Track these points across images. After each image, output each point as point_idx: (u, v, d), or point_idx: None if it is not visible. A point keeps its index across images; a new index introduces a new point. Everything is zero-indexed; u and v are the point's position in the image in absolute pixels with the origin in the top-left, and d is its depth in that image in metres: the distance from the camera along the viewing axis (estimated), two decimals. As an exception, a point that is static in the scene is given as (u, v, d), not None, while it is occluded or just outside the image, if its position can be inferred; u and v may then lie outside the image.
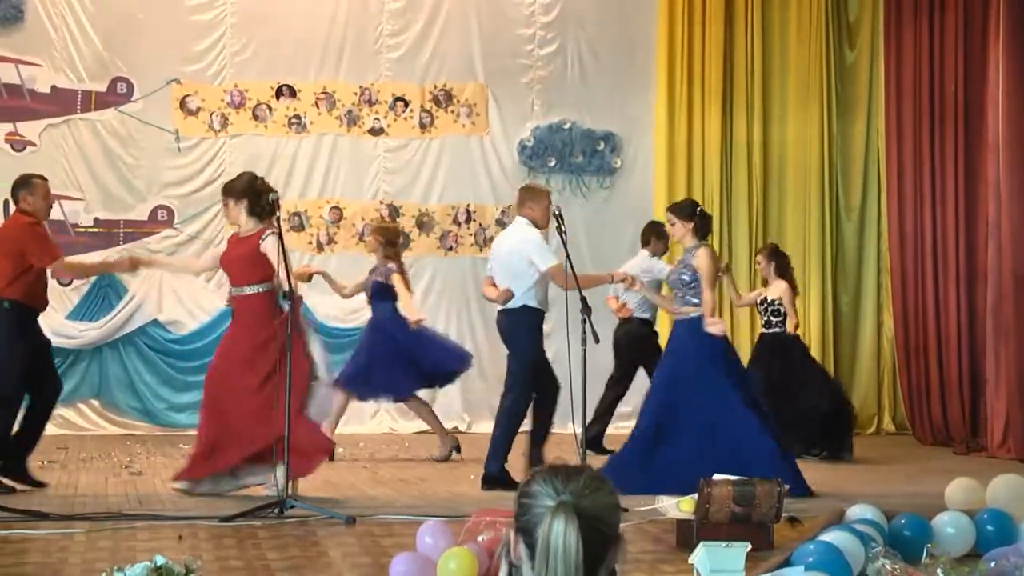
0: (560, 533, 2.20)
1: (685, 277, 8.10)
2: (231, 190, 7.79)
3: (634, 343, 10.17)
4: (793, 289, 10.41)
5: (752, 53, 12.88)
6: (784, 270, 10.43)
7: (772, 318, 10.31)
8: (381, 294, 9.69)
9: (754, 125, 12.87)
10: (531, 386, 8.20)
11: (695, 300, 8.05)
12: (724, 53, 12.82)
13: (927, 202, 12.01)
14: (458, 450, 9.92)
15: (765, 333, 10.41)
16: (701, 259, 8.04)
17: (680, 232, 8.19)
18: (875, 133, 12.96)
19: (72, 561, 5.65)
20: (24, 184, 8.05)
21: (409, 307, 9.68)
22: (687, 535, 5.97)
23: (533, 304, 8.24)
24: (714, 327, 7.93)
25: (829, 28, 12.93)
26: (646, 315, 10.30)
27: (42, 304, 8.01)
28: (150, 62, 11.89)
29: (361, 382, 9.60)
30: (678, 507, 6.17)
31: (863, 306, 13.00)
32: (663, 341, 10.02)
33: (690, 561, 4.57)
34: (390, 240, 9.86)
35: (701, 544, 4.56)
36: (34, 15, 11.68)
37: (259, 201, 7.65)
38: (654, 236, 10.26)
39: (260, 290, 7.64)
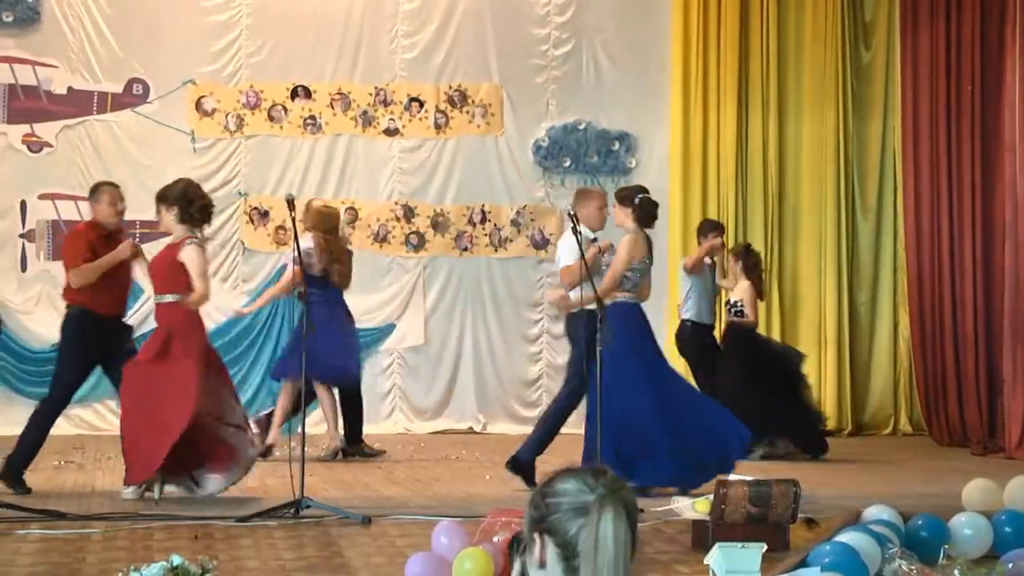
0: (610, 525, 2.18)
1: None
2: (163, 196, 7.75)
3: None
4: (757, 290, 10.48)
5: (767, 53, 12.85)
6: (750, 270, 10.51)
7: (735, 318, 10.38)
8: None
9: (769, 125, 12.85)
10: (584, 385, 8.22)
11: (624, 285, 8.09)
12: (739, 53, 12.79)
13: (944, 201, 11.97)
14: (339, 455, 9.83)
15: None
16: (622, 245, 8.09)
17: (620, 217, 8.22)
18: (891, 132, 12.92)
19: (89, 561, 5.67)
20: (91, 192, 8.14)
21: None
22: (702, 536, 5.95)
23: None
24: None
25: (845, 27, 12.89)
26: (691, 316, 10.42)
27: (111, 310, 7.98)
28: (166, 63, 11.92)
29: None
30: (693, 508, 6.16)
31: (879, 306, 12.96)
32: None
33: (706, 562, 4.56)
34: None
35: (717, 545, 4.55)
36: (51, 17, 11.72)
37: (189, 208, 7.61)
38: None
39: (169, 300, 7.61)
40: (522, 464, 8.07)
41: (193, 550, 5.64)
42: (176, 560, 4.26)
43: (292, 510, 6.81)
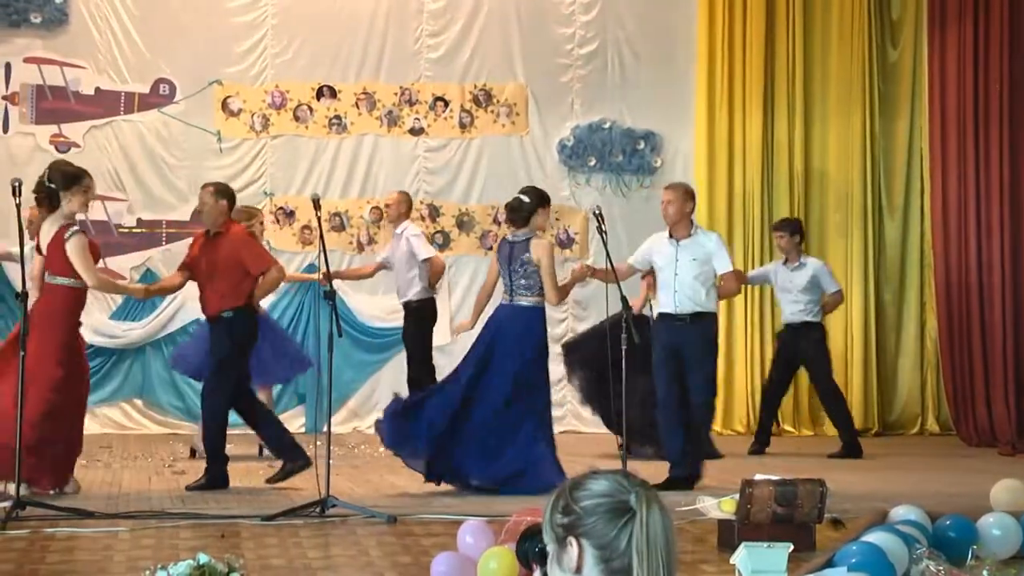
0: (658, 520, 2.18)
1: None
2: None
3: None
4: None
5: (793, 51, 12.81)
6: None
7: None
8: None
9: (795, 124, 12.80)
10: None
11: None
12: (765, 51, 12.75)
13: (971, 201, 11.91)
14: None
15: None
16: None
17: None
18: (918, 132, 12.85)
19: (117, 559, 5.70)
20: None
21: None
22: (728, 535, 5.94)
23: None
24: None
25: (871, 26, 12.83)
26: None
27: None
28: (192, 63, 11.96)
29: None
30: (719, 507, 6.15)
31: (906, 305, 12.90)
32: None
33: (732, 562, 4.55)
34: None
35: (743, 544, 4.54)
36: (78, 18, 11.78)
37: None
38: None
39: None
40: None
41: (219, 549, 5.66)
42: (203, 558, 4.28)
43: (318, 509, 6.83)
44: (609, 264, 7.66)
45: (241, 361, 8.10)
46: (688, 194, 8.57)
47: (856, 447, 10.34)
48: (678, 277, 8.32)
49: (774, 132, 12.79)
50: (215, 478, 7.93)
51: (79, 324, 7.73)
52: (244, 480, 8.46)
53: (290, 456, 8.06)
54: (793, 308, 10.58)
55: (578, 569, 2.21)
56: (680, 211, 8.41)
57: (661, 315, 8.50)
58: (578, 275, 8.50)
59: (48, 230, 7.61)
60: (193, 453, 9.66)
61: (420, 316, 10.43)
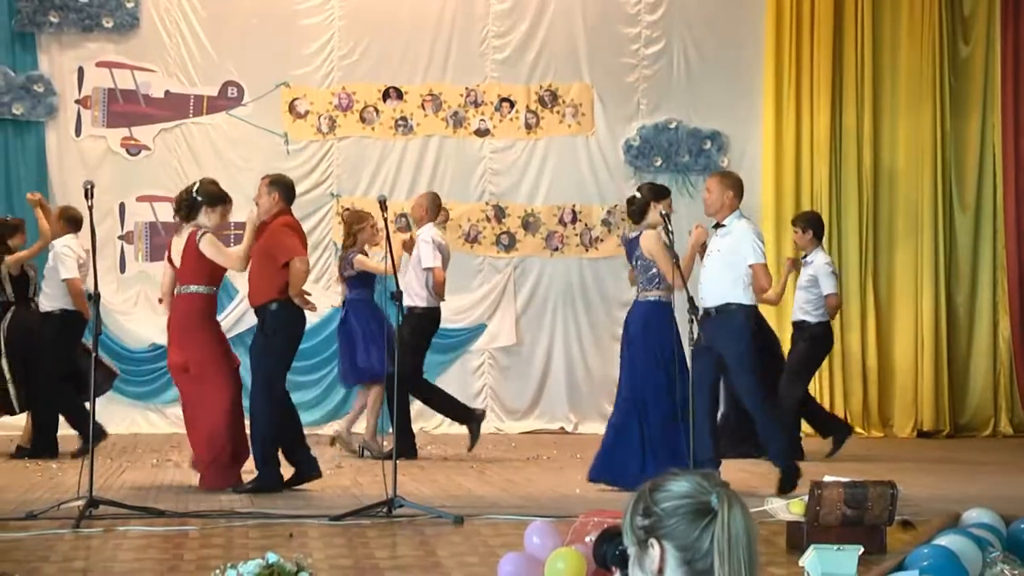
0: (740, 521, 2.18)
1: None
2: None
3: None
4: None
5: (862, 48, 12.68)
6: None
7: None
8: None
9: (864, 121, 12.67)
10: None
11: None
12: (833, 48, 12.63)
13: (1046, 198, 11.74)
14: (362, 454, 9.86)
15: None
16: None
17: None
18: (991, 129, 12.68)
19: (187, 557, 5.76)
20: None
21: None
22: (797, 537, 5.88)
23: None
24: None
25: (943, 22, 12.67)
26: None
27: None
28: (260, 66, 12.07)
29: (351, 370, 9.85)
30: (788, 509, 6.09)
31: (978, 305, 12.72)
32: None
33: (801, 564, 4.51)
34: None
35: (812, 546, 4.49)
36: (149, 22, 11.93)
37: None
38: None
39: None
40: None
41: (288, 548, 5.70)
42: (272, 558, 4.30)
43: (385, 509, 6.85)
44: (676, 265, 7.60)
45: (287, 354, 8.06)
46: (724, 181, 8.20)
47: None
48: (706, 269, 8.04)
49: (842, 130, 12.68)
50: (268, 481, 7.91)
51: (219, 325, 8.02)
52: (310, 480, 8.50)
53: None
54: (795, 306, 10.22)
55: (660, 571, 2.21)
56: (719, 199, 8.03)
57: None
58: (698, 238, 8.13)
59: (179, 240, 7.84)
60: (362, 452, 9.81)
61: (420, 324, 9.98)
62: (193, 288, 7.80)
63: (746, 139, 12.76)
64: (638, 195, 8.17)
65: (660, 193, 8.19)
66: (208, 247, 7.74)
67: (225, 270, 8.04)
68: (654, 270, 7.99)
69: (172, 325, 7.87)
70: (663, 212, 7.92)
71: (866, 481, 6.00)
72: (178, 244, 7.88)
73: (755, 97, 12.72)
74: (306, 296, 8.03)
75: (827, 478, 6.04)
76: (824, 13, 12.59)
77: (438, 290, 9.97)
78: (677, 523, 2.19)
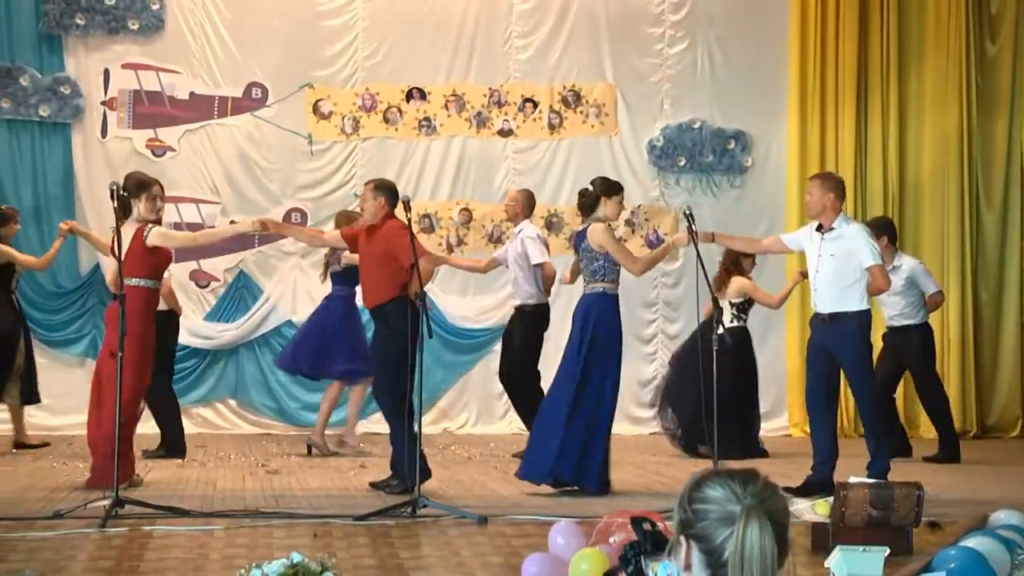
0: (756, 539, 2.16)
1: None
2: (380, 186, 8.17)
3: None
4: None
5: (888, 47, 12.62)
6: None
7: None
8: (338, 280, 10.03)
9: (890, 121, 12.62)
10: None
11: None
12: (858, 47, 12.58)
13: (1074, 197, 11.67)
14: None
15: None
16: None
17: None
18: (1018, 128, 12.61)
19: (213, 557, 5.78)
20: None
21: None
22: (822, 538, 5.86)
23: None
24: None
25: (969, 21, 12.60)
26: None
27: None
28: (284, 67, 12.10)
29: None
30: (813, 510, 6.07)
31: (1005, 305, 12.65)
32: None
33: (826, 565, 4.50)
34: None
35: (838, 548, 4.48)
36: (174, 24, 11.97)
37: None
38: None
39: None
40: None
41: (313, 548, 5.72)
42: (296, 557, 4.31)
43: (409, 509, 6.86)
44: (700, 267, 7.58)
45: (404, 351, 7.99)
46: (825, 183, 8.11)
47: (955, 451, 10.13)
48: (819, 274, 8.06)
49: (868, 129, 12.63)
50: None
51: (152, 326, 7.91)
52: (335, 480, 8.53)
53: None
54: (891, 311, 10.31)
55: (687, 567, 2.24)
56: (820, 201, 8.00)
57: (814, 312, 8.25)
58: (668, 247, 8.41)
59: (126, 235, 7.75)
60: (310, 450, 9.92)
61: (533, 322, 10.03)
62: (135, 281, 7.77)
63: (771, 138, 12.72)
64: (590, 188, 8.18)
65: (612, 188, 8.20)
66: (156, 236, 7.80)
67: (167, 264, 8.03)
68: (599, 262, 8.01)
69: (111, 315, 7.73)
70: (687, 211, 7.91)
71: (892, 482, 5.99)
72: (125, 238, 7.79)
73: (780, 96, 12.68)
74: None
75: (853, 479, 6.02)
76: (849, 11, 12.54)
77: (549, 285, 10.09)
78: (706, 527, 2.21)
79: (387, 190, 8.18)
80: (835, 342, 7.97)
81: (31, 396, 10.13)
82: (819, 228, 8.07)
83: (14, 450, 9.93)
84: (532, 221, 10.33)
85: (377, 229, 8.06)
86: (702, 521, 2.21)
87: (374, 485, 7.97)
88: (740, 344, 10.02)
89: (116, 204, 7.10)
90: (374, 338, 8.25)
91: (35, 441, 10.18)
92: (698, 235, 7.83)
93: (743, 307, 10.30)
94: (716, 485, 2.23)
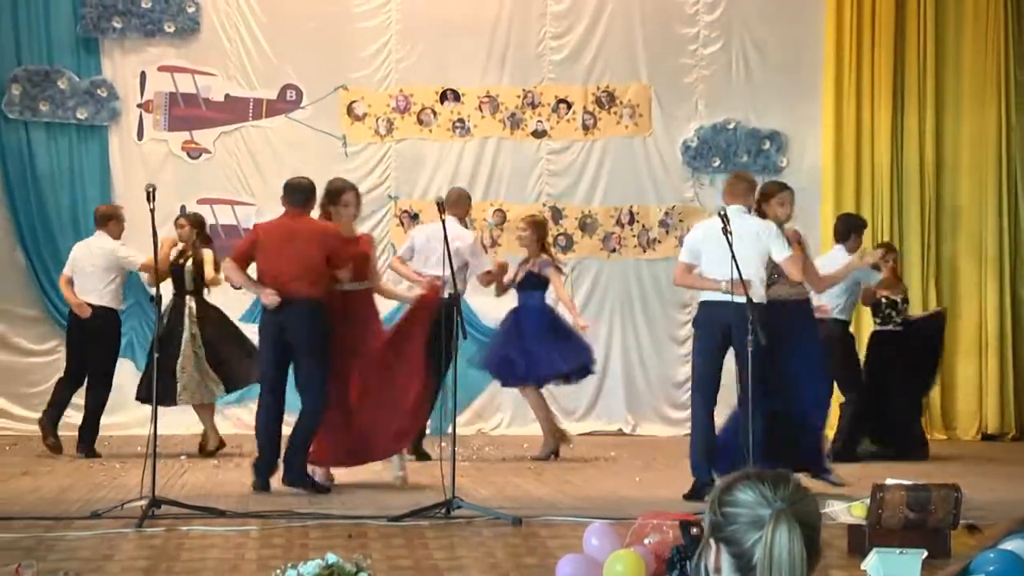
0: (785, 543, 2.15)
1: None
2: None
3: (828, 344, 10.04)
4: None
5: (924, 45, 12.53)
6: None
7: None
8: (533, 284, 9.90)
9: (926, 120, 12.53)
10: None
11: None
12: (895, 45, 12.50)
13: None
14: (556, 454, 9.89)
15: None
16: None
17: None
18: (1059, 124, 12.50)
19: (248, 557, 5.80)
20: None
21: (571, 306, 10.07)
22: (859, 541, 5.82)
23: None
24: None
25: (1008, 15, 12.50)
26: (843, 316, 10.05)
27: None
28: (318, 69, 12.14)
29: (506, 369, 9.81)
30: (849, 511, 6.04)
31: (1044, 300, 12.54)
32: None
33: (863, 567, 4.47)
34: (544, 234, 10.15)
35: (874, 550, 4.46)
36: (209, 26, 12.04)
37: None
38: (854, 232, 10.01)
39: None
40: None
41: (348, 548, 5.73)
42: (331, 558, 4.32)
43: (443, 510, 6.87)
44: (735, 266, 7.52)
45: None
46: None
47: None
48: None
49: (904, 127, 12.55)
50: None
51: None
52: (370, 480, 8.54)
53: None
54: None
55: (717, 569, 2.23)
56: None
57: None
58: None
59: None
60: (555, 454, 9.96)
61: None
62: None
63: (806, 138, 12.66)
64: None
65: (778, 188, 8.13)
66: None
67: None
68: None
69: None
70: (722, 212, 7.85)
71: (929, 484, 5.93)
72: None
73: (815, 96, 12.61)
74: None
75: (889, 481, 5.98)
76: (885, 8, 12.46)
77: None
78: (735, 530, 2.20)
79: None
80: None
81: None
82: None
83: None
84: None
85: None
86: (731, 524, 2.20)
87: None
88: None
89: (153, 206, 7.15)
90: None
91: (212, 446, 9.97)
92: (732, 235, 7.75)
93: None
94: (746, 488, 2.22)
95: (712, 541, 2.24)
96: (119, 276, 9.90)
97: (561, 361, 9.83)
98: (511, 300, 10.13)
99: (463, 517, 6.84)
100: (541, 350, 9.76)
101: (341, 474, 8.44)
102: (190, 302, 9.81)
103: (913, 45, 12.55)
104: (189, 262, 9.83)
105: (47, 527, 6.45)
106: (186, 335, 9.73)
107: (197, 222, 10.12)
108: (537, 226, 10.16)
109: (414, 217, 12.26)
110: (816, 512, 2.23)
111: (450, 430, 7.78)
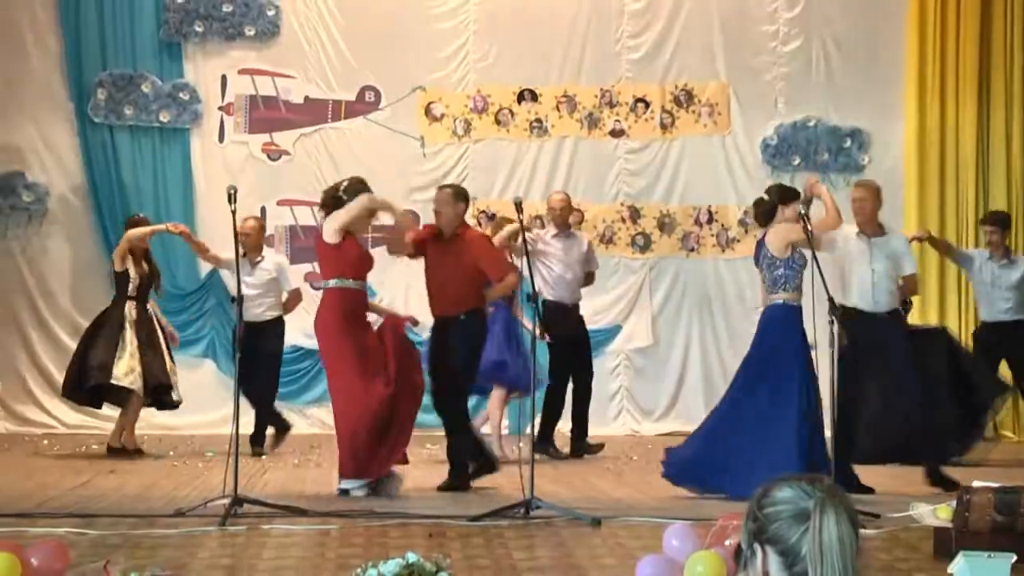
0: (834, 527, 2.18)
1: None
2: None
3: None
4: None
5: (1011, 40, 12.31)
6: None
7: None
8: None
9: (1014, 117, 12.30)
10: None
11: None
12: (980, 41, 12.29)
13: None
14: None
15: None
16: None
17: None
18: None
19: (329, 556, 5.84)
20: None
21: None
22: (945, 544, 5.72)
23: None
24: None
25: (1098, 9, 12.25)
26: None
27: None
28: (396, 71, 12.20)
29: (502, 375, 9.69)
30: (935, 514, 5.94)
31: None
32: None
33: (949, 571, 4.40)
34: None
35: (961, 553, 4.38)
36: (289, 30, 12.15)
37: None
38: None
39: None
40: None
41: (427, 548, 5.74)
42: (411, 557, 4.34)
43: (523, 510, 6.86)
44: (817, 267, 7.44)
45: (473, 363, 8.13)
46: (878, 192, 8.57)
47: None
48: (875, 274, 8.27)
49: (990, 124, 12.33)
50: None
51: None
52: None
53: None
54: (1002, 306, 10.09)
55: (765, 574, 2.24)
56: (873, 209, 8.42)
57: (857, 311, 8.22)
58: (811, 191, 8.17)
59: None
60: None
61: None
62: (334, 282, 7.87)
63: (888, 136, 12.49)
64: (766, 197, 8.06)
65: (789, 194, 8.07)
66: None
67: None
68: (780, 270, 7.86)
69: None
70: (802, 212, 7.79)
71: (1018, 487, 5.82)
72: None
73: (897, 93, 12.44)
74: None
75: (976, 483, 5.87)
76: (971, 2, 12.25)
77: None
78: (778, 528, 2.22)
79: (466, 198, 8.21)
80: (895, 338, 8.28)
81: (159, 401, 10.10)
82: (862, 232, 8.34)
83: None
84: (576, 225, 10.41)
85: (457, 238, 8.04)
86: (774, 523, 2.22)
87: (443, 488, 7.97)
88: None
89: (234, 207, 7.22)
90: (439, 346, 8.16)
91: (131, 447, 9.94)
92: (813, 234, 7.70)
93: None
94: (784, 487, 2.25)
95: (757, 547, 2.25)
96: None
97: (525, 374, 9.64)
98: None
99: (542, 517, 6.83)
100: (509, 357, 9.60)
101: (420, 473, 8.47)
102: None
103: (1000, 39, 12.33)
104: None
105: (132, 525, 6.53)
106: None
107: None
108: (497, 226, 10.02)
109: (491, 217, 12.26)
110: (854, 508, 2.25)
111: (528, 430, 7.78)
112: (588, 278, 10.43)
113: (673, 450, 8.14)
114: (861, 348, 8.00)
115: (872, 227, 8.37)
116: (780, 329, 7.85)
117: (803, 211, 7.77)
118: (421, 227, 8.57)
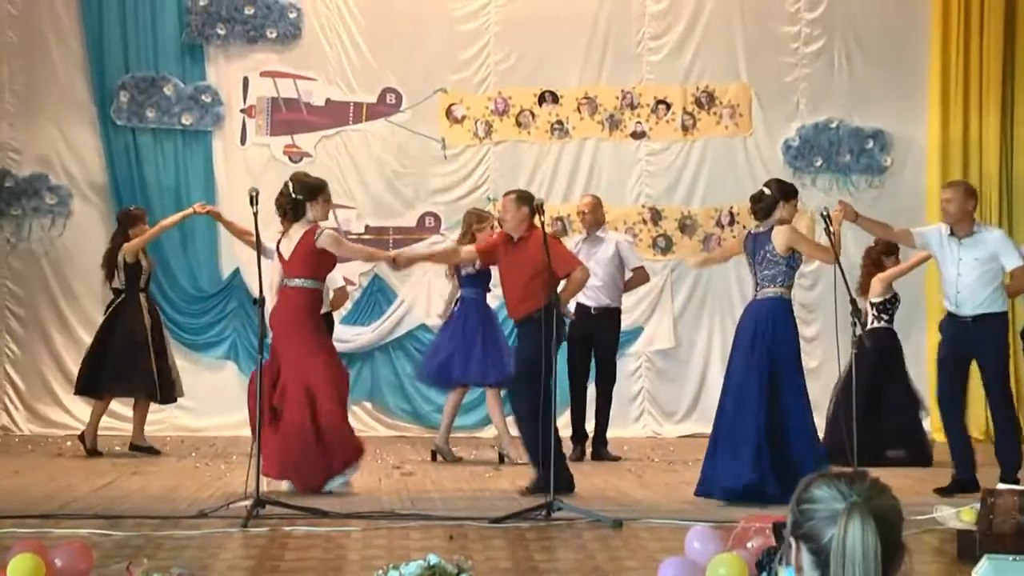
0: (857, 536, 2.17)
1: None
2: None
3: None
4: None
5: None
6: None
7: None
8: (472, 279, 9.72)
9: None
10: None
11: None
12: (1004, 41, 12.22)
13: None
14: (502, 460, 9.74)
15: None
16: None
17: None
18: None
19: (351, 557, 5.85)
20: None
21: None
22: (969, 547, 5.70)
23: None
24: None
25: None
26: None
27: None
28: (417, 73, 12.21)
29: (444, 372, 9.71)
30: (959, 517, 5.92)
31: None
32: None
33: (974, 574, 4.37)
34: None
35: (986, 557, 4.35)
36: (311, 32, 12.18)
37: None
38: None
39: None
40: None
41: (449, 550, 5.75)
42: (433, 559, 4.34)
43: (544, 512, 6.86)
44: (839, 269, 7.43)
45: (547, 362, 8.05)
46: (969, 192, 8.33)
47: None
48: (961, 277, 8.13)
49: (1014, 126, 12.27)
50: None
51: (322, 322, 8.25)
52: (470, 482, 8.57)
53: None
54: None
55: (799, 568, 2.26)
56: (961, 209, 8.16)
57: (948, 314, 8.26)
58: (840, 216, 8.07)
59: (293, 236, 7.95)
60: (502, 459, 9.76)
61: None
62: (298, 282, 7.98)
63: (911, 138, 12.44)
64: (766, 192, 8.02)
65: (789, 192, 8.07)
66: (330, 242, 8.04)
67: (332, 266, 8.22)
68: (780, 267, 7.84)
69: (276, 316, 8.02)
70: (824, 213, 7.78)
71: (1042, 490, 5.79)
72: (291, 239, 8.07)
73: (920, 94, 12.39)
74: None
75: (1000, 486, 5.84)
76: (994, 4, 12.20)
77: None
78: (812, 526, 2.23)
79: (529, 200, 8.19)
80: (979, 344, 8.10)
81: (165, 396, 10.14)
82: (952, 233, 8.16)
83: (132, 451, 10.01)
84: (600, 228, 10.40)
85: (524, 240, 8.08)
86: (809, 520, 2.23)
87: (530, 490, 7.90)
88: (884, 347, 9.79)
89: (256, 209, 7.25)
90: (522, 348, 8.14)
91: (149, 444, 10.06)
92: (844, 216, 7.77)
93: (885, 307, 10.06)
94: (822, 485, 2.25)
95: (793, 539, 2.27)
96: None
97: (492, 370, 9.61)
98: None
99: (563, 519, 6.82)
100: (478, 351, 9.58)
101: (442, 476, 8.47)
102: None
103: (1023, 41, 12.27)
104: None
105: (155, 526, 6.56)
106: None
107: None
108: (468, 216, 9.94)
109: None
110: (895, 508, 2.24)
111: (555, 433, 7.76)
112: (637, 277, 10.37)
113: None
114: (954, 351, 8.16)
115: (962, 227, 8.17)
116: (781, 321, 7.85)
117: (824, 212, 7.77)
118: (494, 235, 8.61)
